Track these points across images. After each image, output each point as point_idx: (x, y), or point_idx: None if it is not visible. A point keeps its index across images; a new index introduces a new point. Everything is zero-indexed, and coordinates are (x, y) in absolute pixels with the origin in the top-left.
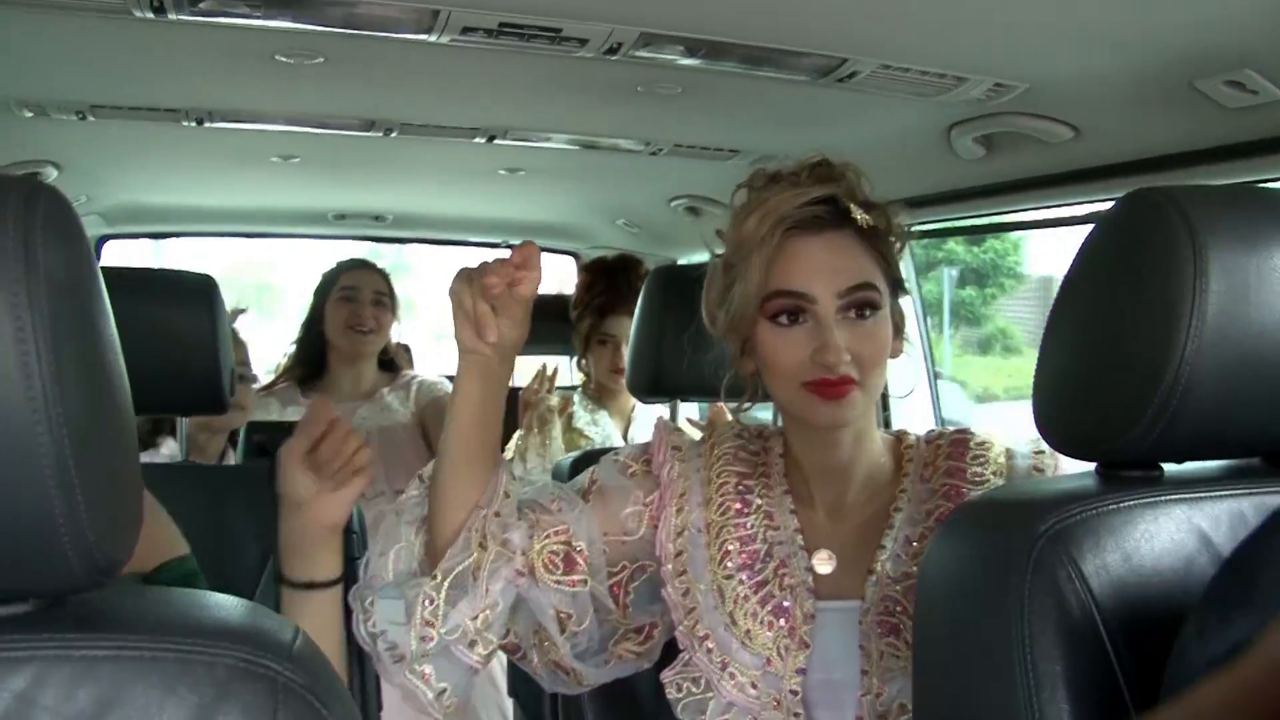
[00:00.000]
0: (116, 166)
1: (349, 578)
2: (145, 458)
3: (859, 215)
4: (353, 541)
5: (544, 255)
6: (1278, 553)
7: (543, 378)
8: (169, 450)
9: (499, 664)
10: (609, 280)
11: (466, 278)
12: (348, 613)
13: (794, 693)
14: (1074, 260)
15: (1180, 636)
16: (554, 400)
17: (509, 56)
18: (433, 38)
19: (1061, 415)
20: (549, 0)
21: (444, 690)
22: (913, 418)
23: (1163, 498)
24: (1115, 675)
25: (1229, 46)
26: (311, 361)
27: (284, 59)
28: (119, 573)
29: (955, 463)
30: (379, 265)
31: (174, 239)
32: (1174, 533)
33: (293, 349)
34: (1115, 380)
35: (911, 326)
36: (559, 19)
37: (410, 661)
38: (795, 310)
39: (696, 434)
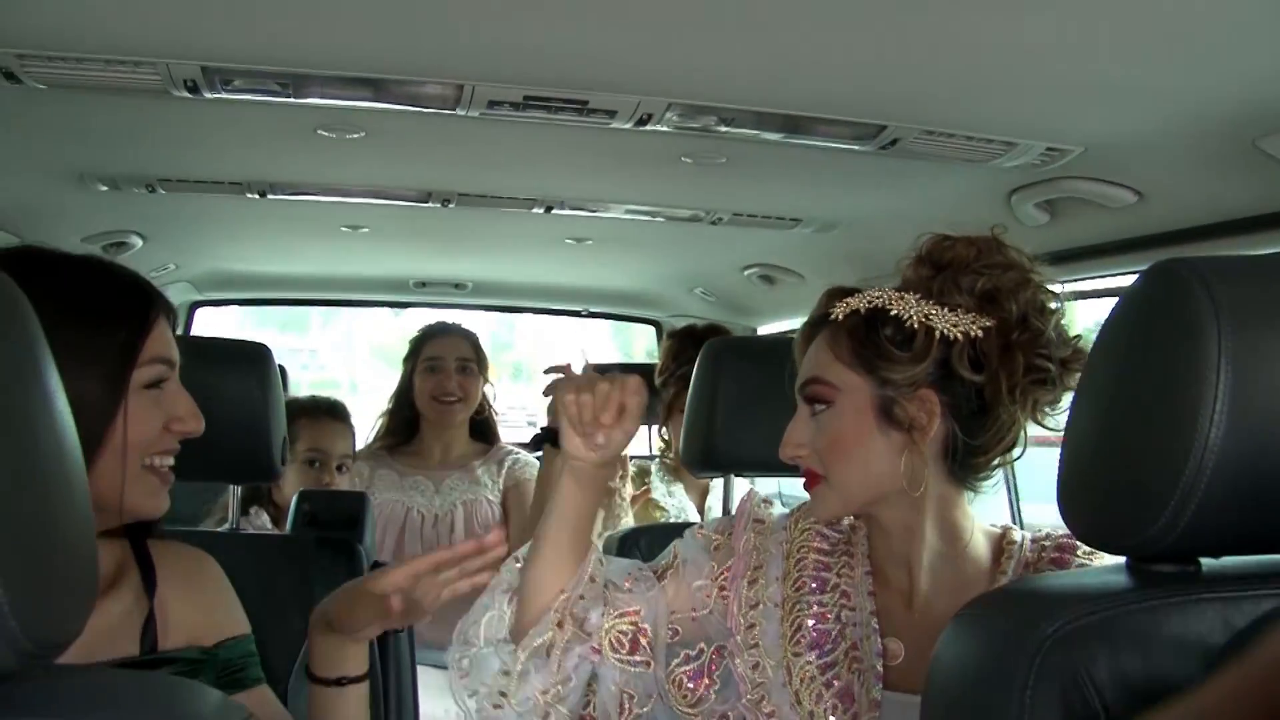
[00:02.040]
0: (197, 236)
1: (384, 646)
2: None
3: (836, 311)
4: None
5: (624, 324)
6: None
7: (615, 467)
8: (262, 520)
9: None
10: (696, 349)
11: (575, 389)
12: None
13: None
14: (1097, 338)
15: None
16: (625, 489)
17: (548, 129)
18: (461, 112)
19: (1086, 505)
20: (572, 73)
21: None
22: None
23: (1194, 597)
24: None
25: None
26: (402, 430)
27: (326, 134)
28: (57, 654)
29: (1056, 570)
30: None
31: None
32: (1205, 635)
33: (383, 419)
34: (1138, 467)
35: None
36: (583, 91)
37: None
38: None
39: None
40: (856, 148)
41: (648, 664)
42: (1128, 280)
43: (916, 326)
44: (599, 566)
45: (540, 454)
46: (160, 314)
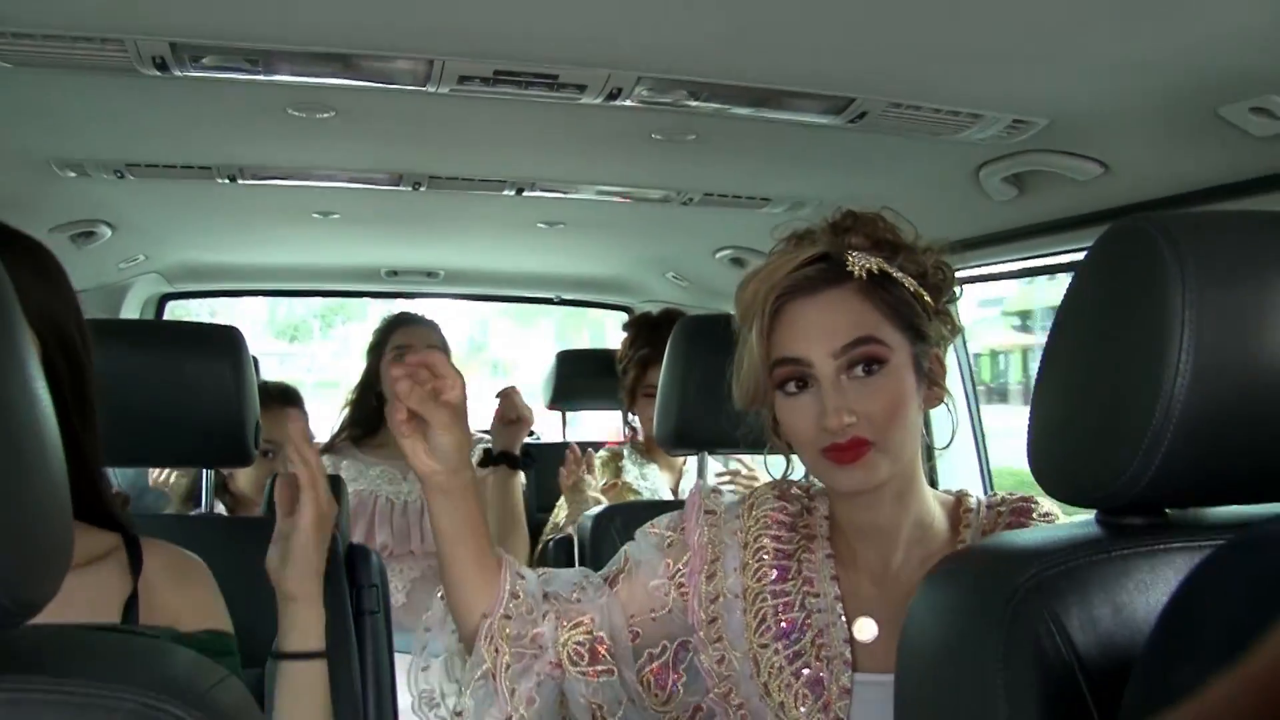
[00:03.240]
0: (167, 225)
1: (361, 632)
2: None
3: (856, 267)
4: (374, 595)
5: (597, 310)
6: (1214, 598)
7: (578, 462)
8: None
9: None
10: (651, 333)
11: (392, 404)
12: None
13: None
14: (1065, 295)
15: (1127, 690)
16: (589, 482)
17: (519, 106)
18: (431, 88)
19: (1055, 461)
20: (542, 48)
21: None
22: (959, 474)
23: (1161, 546)
24: None
25: (1252, 70)
26: (367, 420)
27: (296, 113)
28: (32, 614)
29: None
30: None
31: (238, 296)
32: (1173, 583)
33: (347, 410)
34: (1106, 422)
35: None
36: (553, 65)
37: None
38: (800, 377)
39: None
40: (825, 122)
41: (611, 671)
42: None
43: (912, 289)
44: (521, 581)
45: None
46: None
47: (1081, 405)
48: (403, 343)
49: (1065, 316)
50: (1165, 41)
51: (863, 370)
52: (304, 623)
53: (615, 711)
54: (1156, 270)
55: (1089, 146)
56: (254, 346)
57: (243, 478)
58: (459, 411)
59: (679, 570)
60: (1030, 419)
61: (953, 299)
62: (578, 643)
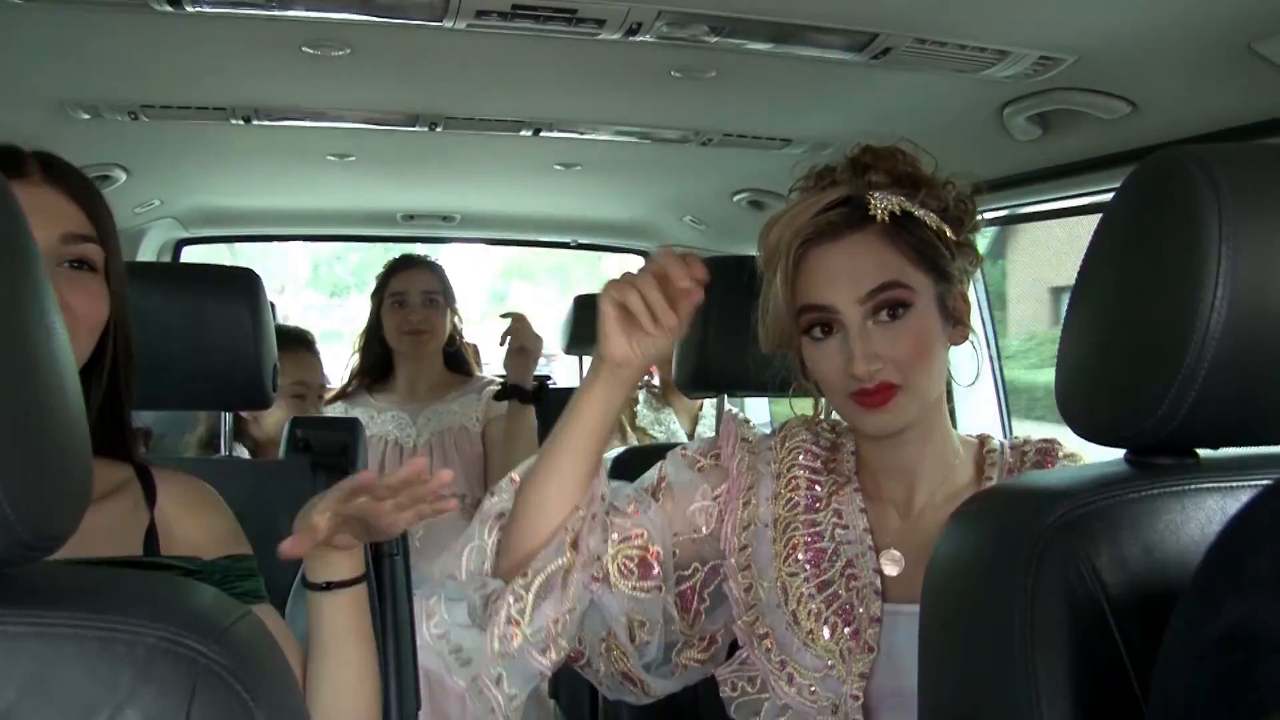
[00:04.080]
0: (182, 168)
1: (380, 574)
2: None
3: (879, 211)
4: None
5: (612, 255)
6: (1265, 534)
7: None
8: (240, 454)
9: None
10: None
11: (628, 283)
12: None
13: (855, 698)
14: (1095, 231)
15: (1169, 627)
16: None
17: (537, 43)
18: (448, 23)
19: (1084, 400)
20: None
21: (514, 696)
22: (980, 415)
23: (1192, 486)
24: (1128, 676)
25: None
26: (376, 367)
27: (310, 50)
28: (55, 547)
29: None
30: (432, 261)
31: (254, 241)
32: (1204, 524)
33: (357, 356)
34: (1137, 359)
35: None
36: None
37: (489, 662)
38: (825, 323)
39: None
40: (848, 58)
41: (660, 588)
42: None
43: (934, 226)
44: (609, 486)
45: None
46: (10, 179)
47: (1112, 343)
48: (400, 288)
49: (1095, 252)
50: None
51: (888, 315)
52: (343, 558)
53: (655, 630)
54: (1192, 203)
55: (1117, 84)
56: (298, 300)
57: (268, 420)
58: (688, 320)
59: (719, 495)
60: (1059, 355)
61: (974, 229)
62: (627, 556)
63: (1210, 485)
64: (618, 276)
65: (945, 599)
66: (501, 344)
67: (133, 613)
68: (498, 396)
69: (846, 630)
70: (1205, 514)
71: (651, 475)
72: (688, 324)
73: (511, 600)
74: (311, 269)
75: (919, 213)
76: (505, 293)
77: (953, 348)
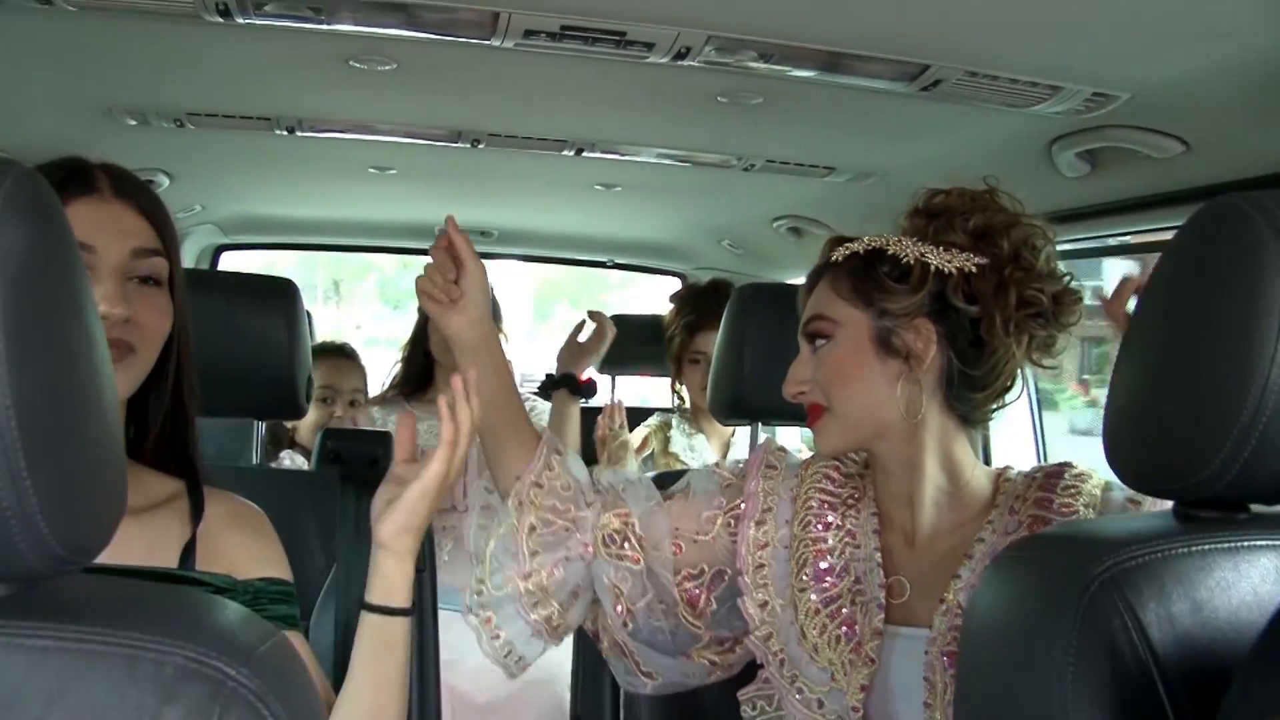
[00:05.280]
0: (224, 176)
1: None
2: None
3: (836, 254)
4: (421, 551)
5: (650, 276)
6: None
7: (612, 415)
8: (298, 462)
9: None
10: (698, 301)
11: (419, 280)
12: None
13: (855, 710)
14: (1151, 276)
15: (1226, 697)
16: (627, 435)
17: (583, 64)
18: (496, 42)
19: (1133, 448)
20: (610, 2)
21: (502, 639)
22: (1016, 452)
23: (1245, 543)
24: None
25: None
26: (417, 377)
27: (357, 65)
28: (87, 560)
29: (1045, 494)
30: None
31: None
32: (1257, 583)
33: (399, 366)
34: (1191, 409)
35: None
36: (622, 21)
37: (472, 609)
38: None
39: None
40: (897, 89)
41: (636, 559)
42: (1171, 236)
43: (912, 263)
44: (558, 458)
45: (551, 399)
46: (76, 198)
47: (1165, 391)
48: None
49: (1150, 298)
50: (1260, 11)
51: (815, 345)
52: (390, 576)
53: (637, 600)
54: (1254, 250)
55: (1170, 123)
56: (368, 310)
57: (304, 427)
58: (480, 269)
59: (732, 510)
60: (1108, 401)
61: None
62: (614, 529)
63: (1264, 543)
64: None
65: (984, 645)
66: (577, 333)
67: (160, 630)
68: (542, 388)
69: (849, 642)
70: (1259, 572)
71: (683, 480)
72: (480, 275)
73: (476, 560)
74: (379, 285)
75: (894, 250)
76: (549, 311)
77: None
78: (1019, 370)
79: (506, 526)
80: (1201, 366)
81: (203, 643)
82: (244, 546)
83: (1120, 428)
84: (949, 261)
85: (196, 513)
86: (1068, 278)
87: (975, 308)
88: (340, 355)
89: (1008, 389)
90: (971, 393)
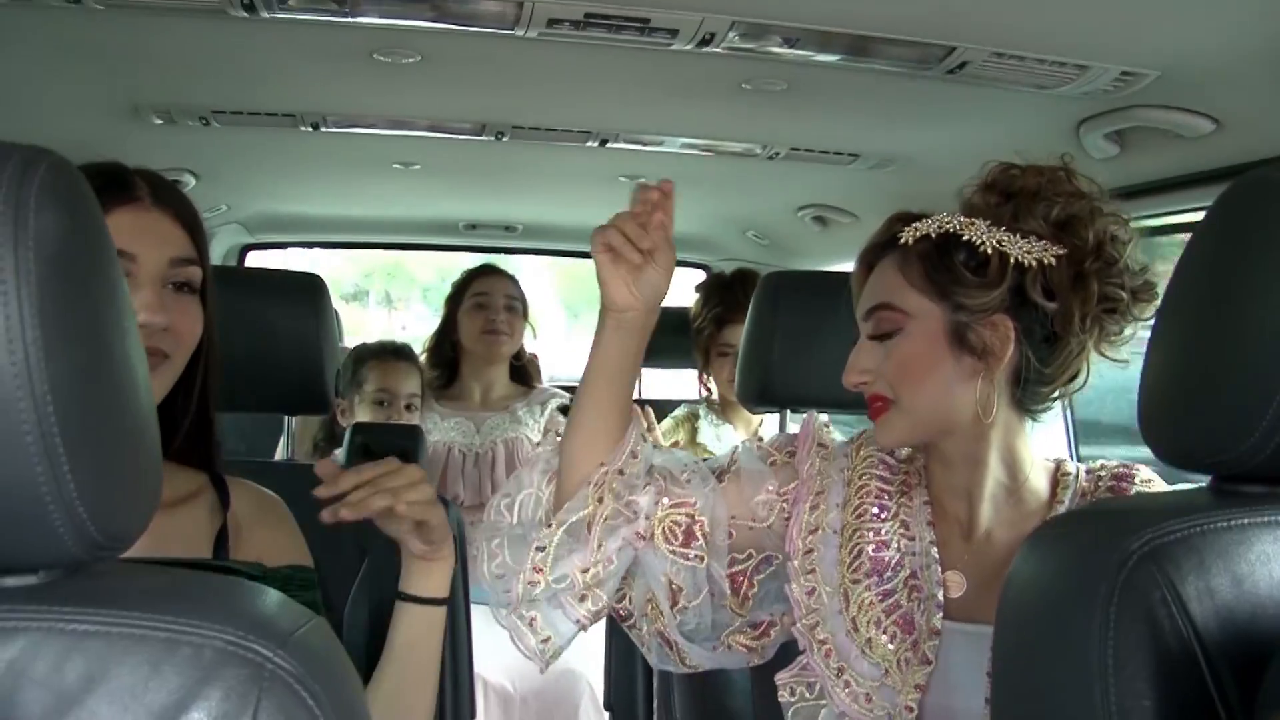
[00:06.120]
0: (249, 175)
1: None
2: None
3: (905, 234)
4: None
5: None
6: None
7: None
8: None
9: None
10: (725, 292)
11: (608, 225)
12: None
13: (909, 709)
14: (1185, 251)
15: (1269, 670)
16: (656, 435)
17: (607, 53)
18: (520, 32)
19: (1170, 423)
20: None
21: (548, 639)
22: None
23: None
24: (1217, 714)
25: None
26: (443, 370)
27: (381, 58)
28: (124, 547)
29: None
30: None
31: (317, 248)
32: None
33: (424, 357)
34: (1229, 382)
35: None
36: (646, 8)
37: (518, 605)
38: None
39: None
40: (922, 72)
41: (701, 558)
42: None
43: (990, 252)
44: (642, 443)
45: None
46: (119, 207)
47: (1201, 365)
48: (483, 289)
49: (1185, 271)
50: None
51: (881, 335)
52: (428, 567)
53: (694, 598)
54: None
55: (1200, 101)
56: (414, 310)
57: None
58: (670, 241)
59: (786, 493)
60: (1142, 377)
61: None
62: (675, 521)
63: None
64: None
65: (1021, 622)
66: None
67: (199, 615)
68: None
69: (906, 640)
70: None
71: (723, 458)
72: (668, 247)
73: (536, 549)
74: (421, 292)
75: (970, 237)
76: (580, 311)
77: None
78: (1086, 362)
79: (580, 516)
80: (1238, 339)
81: (241, 626)
82: (270, 535)
83: (1157, 404)
84: (1028, 253)
85: (223, 504)
86: (1146, 269)
87: (1053, 304)
88: (398, 357)
89: (1075, 379)
90: (1040, 387)
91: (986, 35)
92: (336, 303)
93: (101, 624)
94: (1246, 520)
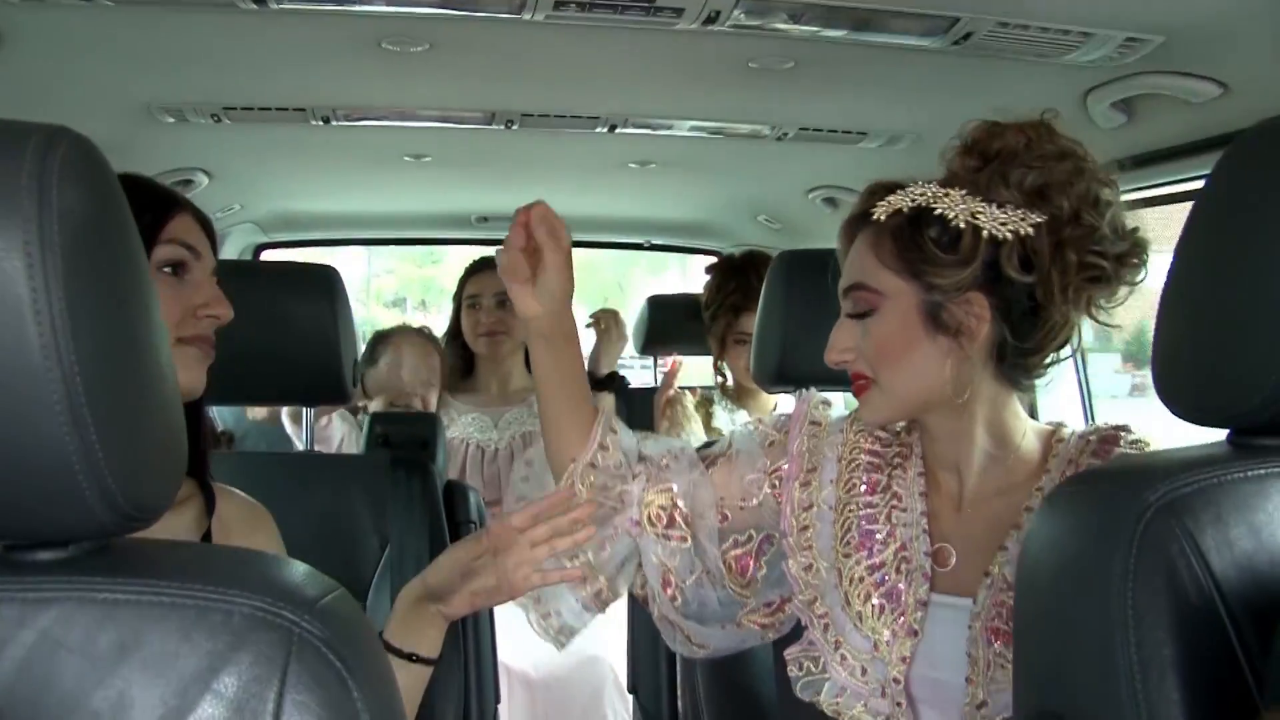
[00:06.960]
0: (261, 172)
1: None
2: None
3: (877, 211)
4: (473, 533)
5: (687, 255)
6: None
7: (674, 373)
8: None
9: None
10: (740, 278)
11: (499, 254)
12: None
13: (897, 681)
14: (1195, 203)
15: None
16: (689, 400)
17: (613, 35)
18: (526, 15)
19: (1184, 378)
20: None
21: (550, 615)
22: (1060, 405)
23: None
24: (1239, 664)
25: None
26: (458, 366)
27: (390, 47)
28: (152, 519)
29: (1098, 460)
30: None
31: (330, 245)
32: None
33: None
34: (1243, 335)
35: None
36: None
37: None
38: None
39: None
40: (928, 44)
41: (685, 540)
42: None
43: (963, 226)
44: (613, 435)
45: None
46: (183, 210)
47: (1214, 317)
48: (475, 290)
49: (1193, 227)
50: None
51: (858, 313)
52: (425, 625)
53: (685, 578)
54: None
55: (1207, 65)
56: (444, 313)
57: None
58: (569, 257)
59: (775, 471)
60: (1156, 332)
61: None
62: (661, 506)
63: None
64: None
65: (1041, 575)
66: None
67: (228, 584)
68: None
69: (893, 612)
70: None
71: (722, 444)
72: (554, 246)
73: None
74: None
75: (943, 210)
76: (595, 304)
77: None
78: (1076, 328)
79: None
80: (1250, 292)
81: (270, 594)
82: (254, 544)
83: (1170, 361)
84: (1002, 225)
85: (209, 509)
86: (1135, 231)
87: (1031, 277)
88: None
89: (1063, 347)
90: (1025, 359)
91: (990, 4)
92: (378, 309)
93: (133, 593)
94: (1264, 471)
